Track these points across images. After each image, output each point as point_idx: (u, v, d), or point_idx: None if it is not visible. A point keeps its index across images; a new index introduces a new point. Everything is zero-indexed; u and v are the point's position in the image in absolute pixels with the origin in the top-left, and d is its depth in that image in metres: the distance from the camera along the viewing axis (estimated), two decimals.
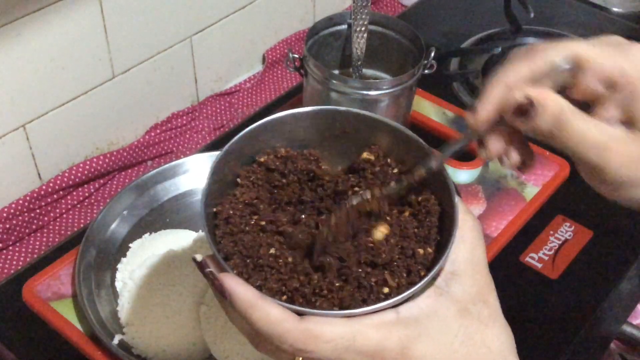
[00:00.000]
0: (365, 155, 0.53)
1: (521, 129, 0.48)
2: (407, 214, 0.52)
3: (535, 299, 0.78)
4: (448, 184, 0.50)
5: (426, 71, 0.82)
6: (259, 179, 0.52)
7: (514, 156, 0.50)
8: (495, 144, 0.50)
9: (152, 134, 0.98)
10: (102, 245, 0.77)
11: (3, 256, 0.84)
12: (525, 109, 0.46)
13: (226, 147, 0.50)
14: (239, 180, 0.52)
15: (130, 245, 0.76)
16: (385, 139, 0.53)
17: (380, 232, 0.49)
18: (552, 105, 0.45)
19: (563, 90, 0.47)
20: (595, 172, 0.46)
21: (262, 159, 0.52)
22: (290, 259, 0.48)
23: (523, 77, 0.47)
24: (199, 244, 0.74)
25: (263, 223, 0.50)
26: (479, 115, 0.48)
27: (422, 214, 0.51)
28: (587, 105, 0.47)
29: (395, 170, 0.53)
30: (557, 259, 0.81)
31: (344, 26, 0.86)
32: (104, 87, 0.90)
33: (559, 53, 0.47)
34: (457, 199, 0.49)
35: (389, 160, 0.54)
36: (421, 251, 0.49)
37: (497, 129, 0.49)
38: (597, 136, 0.45)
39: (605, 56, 0.46)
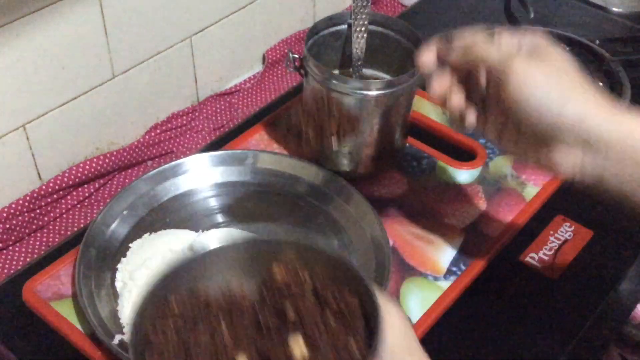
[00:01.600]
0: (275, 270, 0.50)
1: (449, 56, 0.62)
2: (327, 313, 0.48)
3: (535, 299, 0.78)
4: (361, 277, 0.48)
5: None
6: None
7: (455, 99, 0.63)
8: (438, 82, 0.63)
9: (152, 134, 0.98)
10: (102, 245, 0.77)
11: (3, 256, 0.84)
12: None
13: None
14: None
15: (130, 245, 0.76)
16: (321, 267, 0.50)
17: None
18: (469, 36, 0.61)
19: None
20: (504, 80, 0.58)
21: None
22: None
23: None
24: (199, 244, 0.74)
25: None
26: (423, 56, 0.64)
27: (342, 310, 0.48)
28: None
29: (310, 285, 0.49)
30: (557, 259, 0.81)
31: (344, 26, 0.86)
32: (104, 87, 0.90)
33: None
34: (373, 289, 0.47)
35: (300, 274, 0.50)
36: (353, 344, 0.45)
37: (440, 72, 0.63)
38: (504, 45, 0.59)
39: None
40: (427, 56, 0.64)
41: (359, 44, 0.83)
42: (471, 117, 0.64)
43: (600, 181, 0.59)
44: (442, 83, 0.64)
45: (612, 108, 0.58)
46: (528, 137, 0.61)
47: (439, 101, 0.65)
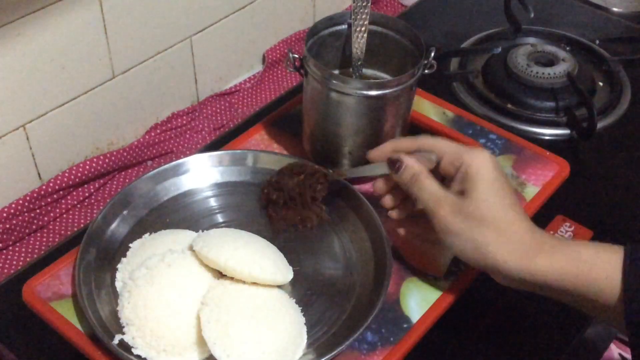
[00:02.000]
0: None
1: (393, 177, 0.72)
2: None
3: (535, 299, 0.77)
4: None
5: (426, 71, 0.82)
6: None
7: (388, 200, 0.75)
8: (379, 184, 0.75)
9: (152, 134, 0.98)
10: (102, 245, 0.77)
11: (3, 256, 0.84)
12: (398, 166, 0.71)
13: None
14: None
15: (130, 245, 0.76)
16: None
17: None
18: (412, 167, 0.70)
19: (436, 169, 0.71)
20: (432, 221, 0.69)
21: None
22: None
23: (406, 148, 0.73)
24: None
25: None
26: (372, 156, 0.76)
27: None
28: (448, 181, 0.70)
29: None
30: None
31: (344, 26, 0.86)
32: (104, 87, 0.90)
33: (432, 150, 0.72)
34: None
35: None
36: None
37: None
38: (436, 191, 0.68)
39: (454, 152, 0.70)
40: (377, 156, 0.75)
41: (359, 44, 0.83)
42: (394, 213, 0.76)
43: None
44: (382, 187, 0.75)
45: (527, 252, 0.64)
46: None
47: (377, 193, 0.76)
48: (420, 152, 0.72)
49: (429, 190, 0.69)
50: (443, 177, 0.71)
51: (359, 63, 0.84)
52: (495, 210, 0.65)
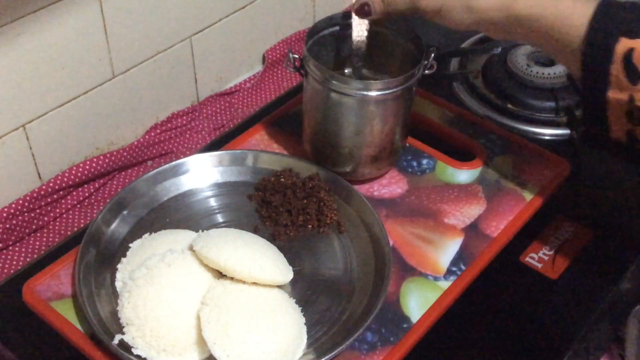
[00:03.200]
0: None
1: (374, 17, 0.78)
2: None
3: (535, 299, 0.78)
4: None
5: (426, 71, 0.82)
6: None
7: None
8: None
9: (152, 134, 0.98)
10: (102, 245, 0.77)
11: (3, 256, 0.84)
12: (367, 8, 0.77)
13: None
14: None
15: (130, 245, 0.76)
16: None
17: None
18: None
19: None
20: None
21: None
22: None
23: None
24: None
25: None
26: None
27: None
28: None
29: None
30: (557, 259, 0.81)
31: (344, 26, 0.86)
32: (104, 87, 0.90)
33: None
34: None
35: None
36: None
37: None
38: None
39: None
40: None
41: (359, 44, 0.83)
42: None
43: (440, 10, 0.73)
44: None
45: None
46: None
47: None
48: None
49: None
50: None
51: (359, 64, 0.85)
52: None
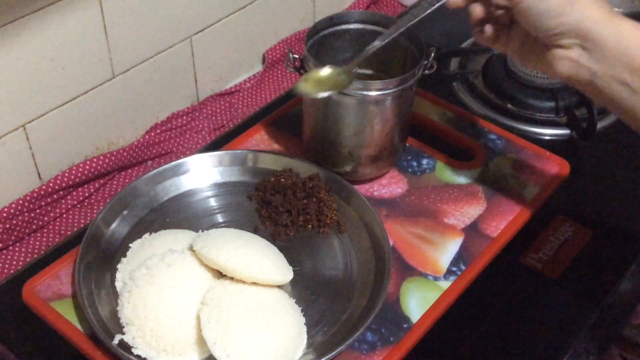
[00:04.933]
0: None
1: None
2: None
3: (535, 299, 0.78)
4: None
5: (426, 71, 0.82)
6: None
7: (477, 7, 0.77)
8: (475, 9, 0.77)
9: (152, 134, 0.98)
10: (102, 245, 0.77)
11: (3, 256, 0.84)
12: None
13: None
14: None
15: (130, 245, 0.76)
16: None
17: None
18: None
19: None
20: None
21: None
22: None
23: None
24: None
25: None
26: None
27: None
28: None
29: None
30: (557, 259, 0.81)
31: (344, 26, 0.86)
32: (104, 87, 0.90)
33: None
34: None
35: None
36: None
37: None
38: None
39: None
40: None
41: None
42: (489, 29, 0.76)
43: (591, 83, 0.66)
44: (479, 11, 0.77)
45: (610, 12, 0.66)
46: (532, 42, 0.70)
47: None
48: None
49: None
50: None
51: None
52: None
